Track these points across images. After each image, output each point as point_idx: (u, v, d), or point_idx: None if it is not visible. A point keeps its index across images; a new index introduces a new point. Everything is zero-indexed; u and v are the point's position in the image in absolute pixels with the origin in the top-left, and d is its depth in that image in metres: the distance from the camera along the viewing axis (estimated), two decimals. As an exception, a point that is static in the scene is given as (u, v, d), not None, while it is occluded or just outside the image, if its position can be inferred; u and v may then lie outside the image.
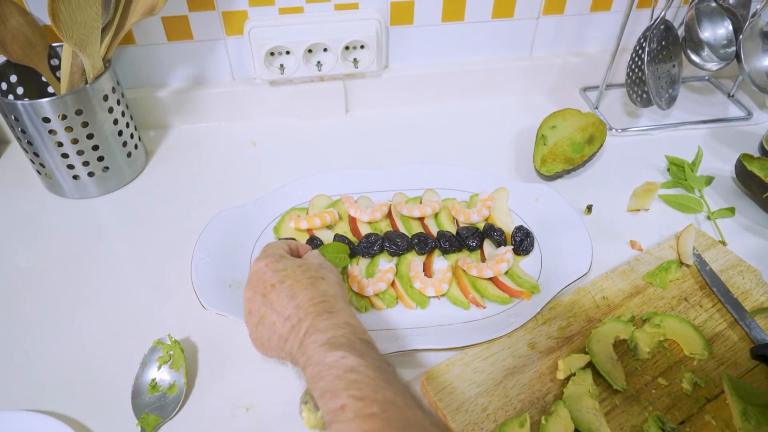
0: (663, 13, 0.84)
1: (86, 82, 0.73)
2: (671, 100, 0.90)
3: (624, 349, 0.60)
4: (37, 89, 0.80)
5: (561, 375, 0.57)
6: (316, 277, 0.53)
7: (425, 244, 0.69)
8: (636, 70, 0.88)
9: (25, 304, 0.66)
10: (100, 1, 0.64)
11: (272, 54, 0.86)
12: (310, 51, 0.86)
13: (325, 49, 0.87)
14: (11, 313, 0.65)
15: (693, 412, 0.55)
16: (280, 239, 0.57)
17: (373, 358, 0.45)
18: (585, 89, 1.01)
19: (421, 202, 0.75)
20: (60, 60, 0.79)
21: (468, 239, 0.70)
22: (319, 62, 0.88)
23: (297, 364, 0.48)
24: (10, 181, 0.83)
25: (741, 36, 0.84)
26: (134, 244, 0.73)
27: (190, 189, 0.82)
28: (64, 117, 0.70)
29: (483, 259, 0.69)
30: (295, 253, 0.59)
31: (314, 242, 0.69)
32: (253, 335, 0.53)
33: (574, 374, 0.57)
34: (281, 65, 0.87)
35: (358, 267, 0.67)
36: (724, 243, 0.73)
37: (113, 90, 0.75)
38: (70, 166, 0.75)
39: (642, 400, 0.56)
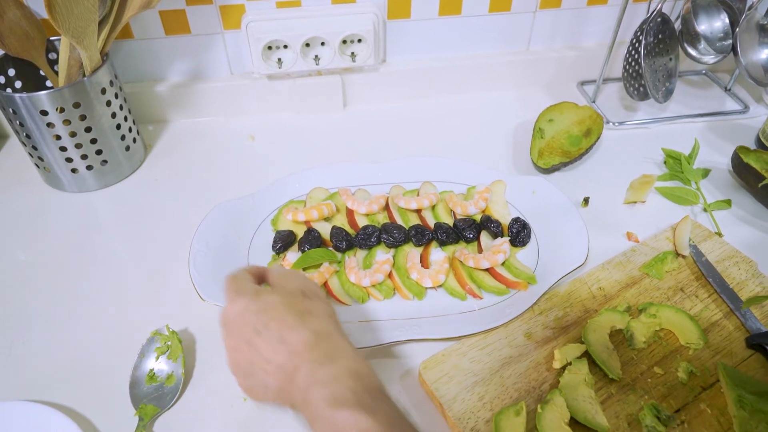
0: (659, 6, 0.84)
1: (84, 76, 0.73)
2: (668, 94, 0.90)
3: (620, 339, 0.61)
4: (34, 83, 0.80)
5: (557, 364, 0.58)
6: (302, 311, 0.47)
7: (422, 235, 0.70)
8: (633, 63, 0.89)
9: (24, 296, 0.66)
10: (97, -6, 0.65)
11: (270, 48, 0.86)
12: (307, 45, 0.87)
13: (322, 43, 0.87)
14: (10, 305, 0.65)
15: (688, 401, 0.55)
16: (239, 269, 0.52)
17: (385, 413, 0.41)
18: (582, 83, 1.02)
19: (418, 195, 0.76)
20: (58, 53, 0.79)
21: (465, 231, 0.70)
22: (316, 56, 0.88)
23: (299, 413, 0.44)
24: (9, 175, 0.83)
25: (737, 29, 0.84)
26: (133, 237, 0.74)
27: (189, 183, 0.82)
28: (61, 110, 0.70)
29: (480, 251, 0.70)
30: (262, 279, 0.53)
31: (311, 235, 0.69)
32: (244, 387, 0.48)
33: (570, 363, 0.57)
34: (279, 59, 0.87)
35: (356, 258, 0.68)
36: (720, 234, 0.73)
37: (111, 83, 0.75)
38: (69, 160, 0.75)
39: (638, 389, 0.56)
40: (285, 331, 0.45)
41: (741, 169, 0.79)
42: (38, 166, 0.79)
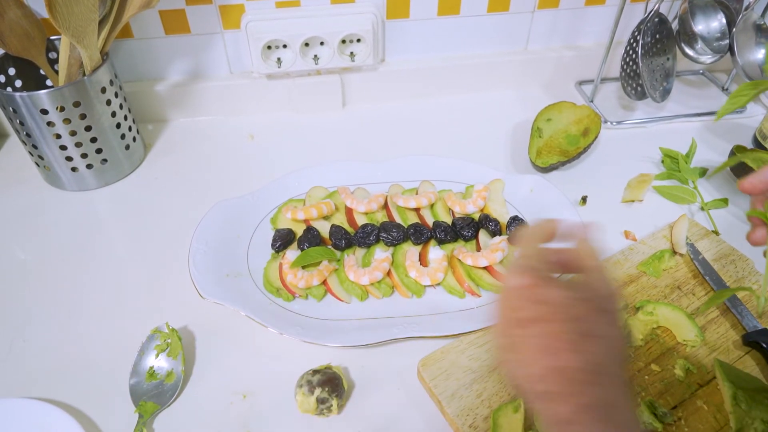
0: (657, 6, 0.84)
1: (84, 75, 0.74)
2: (665, 93, 0.91)
3: (617, 336, 0.61)
4: (35, 82, 0.81)
5: (555, 361, 0.58)
6: (586, 334, 0.37)
7: (421, 234, 0.70)
8: (630, 63, 0.89)
9: (25, 295, 0.67)
10: (97, -7, 0.65)
11: (269, 48, 0.87)
12: (306, 45, 0.87)
13: (321, 43, 0.87)
14: (10, 303, 0.66)
15: (685, 398, 0.56)
16: (541, 222, 0.44)
17: None
18: (580, 83, 1.02)
19: (417, 193, 0.76)
20: (58, 53, 0.79)
21: (463, 229, 0.71)
22: (315, 56, 0.88)
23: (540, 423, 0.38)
24: (9, 174, 0.83)
25: (734, 29, 0.85)
26: (132, 236, 0.74)
27: (188, 181, 0.82)
28: (62, 109, 0.71)
29: (478, 249, 0.70)
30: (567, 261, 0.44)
31: (311, 233, 0.70)
32: (501, 355, 0.41)
33: (567, 361, 0.58)
34: (278, 59, 0.88)
35: (355, 256, 0.68)
36: (717, 233, 0.74)
37: (111, 83, 0.76)
38: (69, 158, 0.76)
39: (635, 385, 0.57)
40: (559, 344, 0.37)
41: (738, 168, 0.80)
42: (38, 165, 0.79)
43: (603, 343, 0.38)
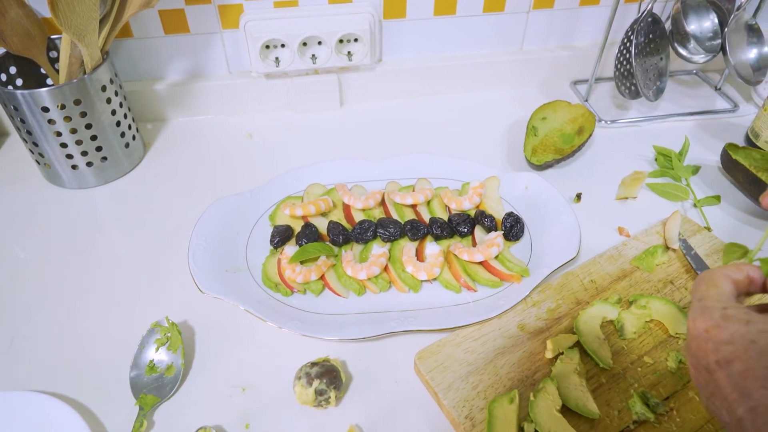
0: (650, 6, 0.86)
1: (84, 73, 0.74)
2: (659, 92, 0.92)
3: (611, 329, 0.62)
4: (35, 81, 0.82)
5: (549, 354, 0.59)
6: None
7: (418, 230, 0.71)
8: (624, 62, 0.90)
9: (25, 291, 0.67)
10: (98, -8, 0.66)
11: (267, 47, 0.88)
12: (304, 44, 0.88)
13: (319, 43, 0.88)
14: (11, 300, 0.66)
15: (677, 389, 0.57)
16: (723, 270, 0.43)
17: None
18: (575, 82, 1.03)
19: (413, 191, 0.77)
20: (58, 52, 0.80)
21: (459, 225, 0.72)
22: (313, 55, 0.89)
23: None
24: (10, 171, 0.84)
25: (726, 29, 0.86)
26: (132, 232, 0.75)
27: (187, 179, 0.83)
28: (62, 107, 0.71)
29: (474, 245, 0.71)
30: (743, 288, 0.43)
31: (309, 229, 0.70)
32: (704, 404, 0.41)
33: (562, 353, 0.59)
34: (276, 58, 0.88)
35: (352, 252, 0.69)
36: (709, 229, 0.75)
37: (111, 81, 0.76)
38: (69, 156, 0.76)
39: (628, 377, 0.57)
40: (750, 383, 0.36)
41: (730, 165, 0.81)
42: (39, 163, 0.80)
43: None
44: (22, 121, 0.73)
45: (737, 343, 0.38)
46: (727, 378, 0.37)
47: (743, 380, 0.36)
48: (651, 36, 0.89)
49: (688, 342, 0.41)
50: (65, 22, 0.64)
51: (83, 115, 0.74)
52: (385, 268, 0.67)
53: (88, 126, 0.75)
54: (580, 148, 0.85)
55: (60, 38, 0.78)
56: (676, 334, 0.61)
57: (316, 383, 0.54)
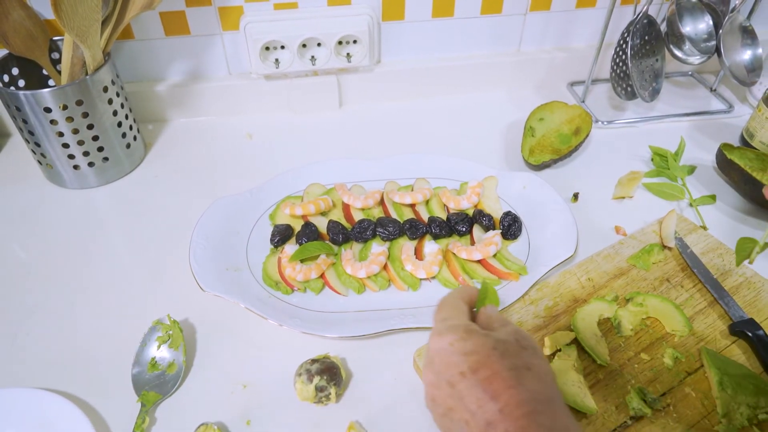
0: (645, 8, 0.87)
1: (86, 74, 0.75)
2: (655, 93, 0.93)
3: (608, 326, 0.63)
4: (38, 82, 0.82)
5: (547, 351, 0.59)
6: (519, 366, 0.40)
7: (416, 229, 0.72)
8: (620, 64, 0.91)
9: (28, 289, 0.68)
10: (100, -6, 0.67)
11: (267, 48, 0.88)
12: (304, 46, 0.89)
13: (318, 44, 0.89)
14: (14, 298, 0.67)
15: (674, 385, 0.57)
16: (455, 293, 0.48)
17: None
18: (572, 84, 1.04)
19: (412, 190, 0.78)
20: (60, 53, 0.81)
21: (458, 224, 0.72)
22: (313, 57, 0.90)
23: None
24: (12, 172, 0.84)
25: (721, 31, 0.87)
26: (133, 232, 0.75)
27: (188, 180, 0.84)
28: (65, 107, 0.72)
29: (472, 243, 0.72)
30: (471, 302, 0.49)
31: (309, 228, 0.71)
32: (438, 423, 0.43)
33: (559, 350, 0.59)
34: (276, 60, 0.89)
35: (352, 251, 0.70)
36: (704, 228, 0.75)
37: (113, 82, 0.77)
38: (71, 156, 0.77)
39: (625, 374, 0.58)
40: (497, 385, 0.38)
41: (725, 165, 0.82)
42: (41, 163, 0.80)
43: (534, 373, 0.40)
44: (25, 121, 0.73)
45: (481, 352, 0.40)
46: (473, 386, 0.39)
47: (490, 384, 0.38)
48: (647, 38, 0.90)
49: (431, 359, 0.43)
50: (68, 23, 0.65)
51: (85, 115, 0.74)
52: (385, 267, 0.68)
53: (90, 126, 0.76)
54: (577, 148, 0.86)
55: (62, 40, 0.79)
56: (672, 331, 0.62)
57: (316, 380, 0.54)
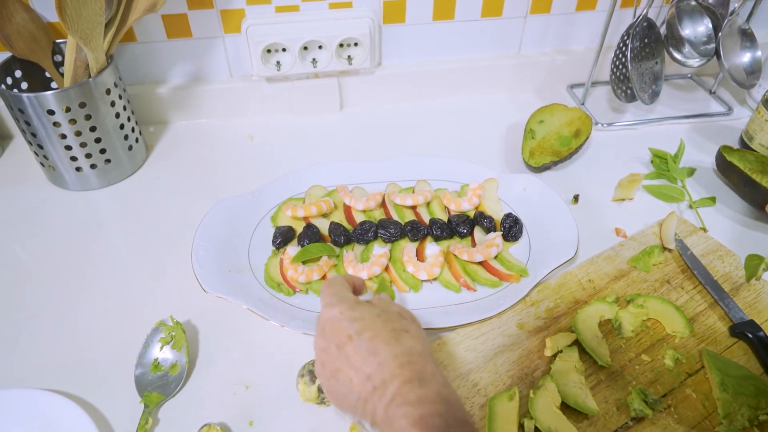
0: (645, 11, 0.87)
1: (89, 76, 0.75)
2: (654, 96, 0.93)
3: (609, 328, 0.63)
4: (40, 84, 0.83)
5: (548, 352, 0.60)
6: (398, 329, 0.47)
7: (418, 231, 0.72)
8: (620, 66, 0.92)
9: (31, 290, 0.68)
10: (103, -3, 0.67)
11: (269, 51, 0.89)
12: (305, 48, 0.89)
13: (320, 47, 0.89)
14: (16, 299, 0.67)
15: (675, 386, 0.58)
16: (337, 276, 0.54)
17: None
18: (572, 86, 1.05)
19: (413, 192, 0.78)
20: (63, 56, 0.81)
21: (459, 226, 0.73)
22: (314, 59, 0.90)
23: (376, 428, 0.44)
24: (14, 174, 0.85)
25: (720, 33, 0.88)
26: (136, 233, 0.76)
27: (190, 181, 0.84)
28: (68, 109, 0.72)
29: (474, 245, 0.72)
30: (357, 290, 0.55)
31: (311, 230, 0.71)
32: (326, 388, 0.48)
33: (561, 351, 0.59)
34: (278, 62, 0.90)
35: (353, 252, 0.70)
36: (705, 230, 0.76)
37: (115, 85, 0.77)
38: (73, 158, 0.77)
39: (626, 375, 0.58)
40: (378, 344, 0.45)
41: (725, 167, 0.82)
42: (43, 165, 0.80)
43: (411, 335, 0.47)
44: (28, 123, 0.73)
45: (366, 318, 0.47)
46: (358, 346, 0.45)
47: (372, 343, 0.45)
48: (646, 40, 0.91)
49: (322, 327, 0.49)
50: (72, 26, 0.65)
51: (88, 117, 0.75)
52: (386, 268, 0.68)
53: (93, 128, 0.76)
54: (577, 150, 0.86)
55: (65, 42, 0.80)
56: (673, 332, 0.62)
57: (318, 380, 0.54)
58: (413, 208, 0.76)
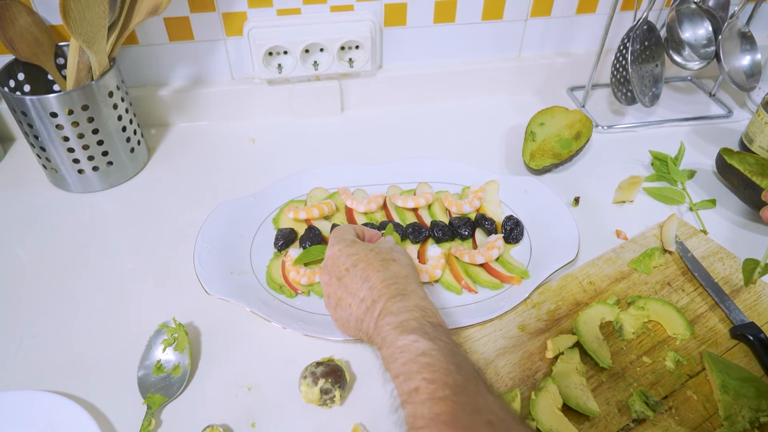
0: (645, 14, 0.88)
1: (92, 79, 0.76)
2: (654, 98, 0.94)
3: (610, 330, 0.63)
4: (43, 87, 0.83)
5: (550, 354, 0.60)
6: (387, 259, 0.54)
7: (419, 233, 0.72)
8: (620, 69, 0.92)
9: (33, 292, 0.68)
10: (107, 0, 0.67)
11: (270, 54, 0.89)
12: (306, 51, 0.89)
13: (321, 49, 0.90)
14: (19, 301, 0.67)
15: (676, 388, 0.58)
16: (346, 225, 0.62)
17: (444, 342, 0.46)
18: (572, 89, 1.05)
19: (415, 194, 0.78)
20: (65, 59, 0.81)
21: (460, 228, 0.73)
22: (315, 62, 0.91)
23: (373, 344, 0.50)
24: (16, 176, 0.85)
25: (720, 36, 0.88)
26: (138, 235, 0.76)
27: (191, 184, 0.84)
28: (70, 112, 0.73)
29: (475, 247, 0.72)
30: (362, 238, 0.61)
31: (312, 232, 0.72)
32: (334, 317, 0.56)
33: (562, 353, 0.60)
34: (279, 65, 0.90)
35: (355, 254, 0.70)
36: (705, 232, 0.76)
37: (118, 87, 0.78)
38: (76, 161, 0.78)
39: (627, 377, 0.59)
40: (369, 271, 0.53)
41: (725, 170, 0.83)
42: (45, 167, 0.81)
43: (398, 263, 0.54)
44: (30, 126, 0.74)
45: (360, 253, 0.55)
46: (354, 275, 0.53)
47: (365, 271, 0.53)
48: (646, 43, 0.91)
49: (325, 264, 0.57)
50: (76, 29, 0.66)
51: (90, 120, 0.75)
52: (388, 270, 0.68)
53: (95, 131, 0.76)
54: (577, 153, 0.87)
55: (67, 45, 0.80)
56: (674, 334, 0.62)
57: (321, 382, 0.55)
58: (414, 210, 0.76)
